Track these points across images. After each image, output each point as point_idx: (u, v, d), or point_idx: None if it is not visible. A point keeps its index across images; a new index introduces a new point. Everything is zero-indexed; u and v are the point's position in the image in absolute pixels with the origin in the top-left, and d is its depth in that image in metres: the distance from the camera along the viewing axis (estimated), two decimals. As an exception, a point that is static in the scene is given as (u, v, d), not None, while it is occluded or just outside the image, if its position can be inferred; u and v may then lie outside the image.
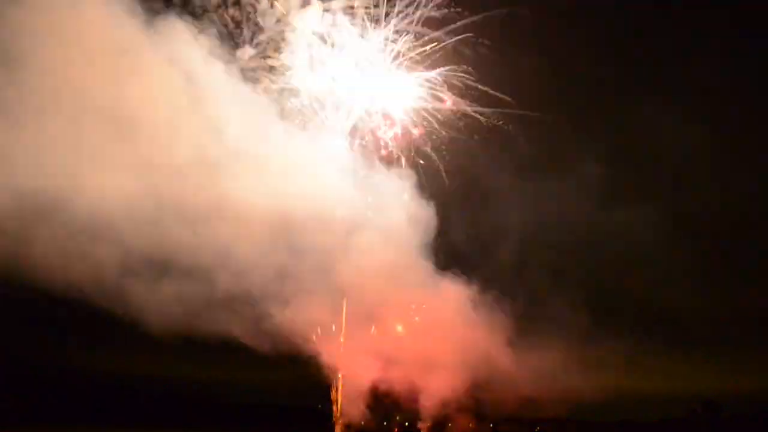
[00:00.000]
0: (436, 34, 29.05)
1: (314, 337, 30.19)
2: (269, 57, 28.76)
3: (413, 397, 30.97)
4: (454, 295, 30.98)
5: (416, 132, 30.45)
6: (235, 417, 34.78)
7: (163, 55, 25.94)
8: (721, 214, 36.77)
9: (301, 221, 28.34)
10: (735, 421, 36.72)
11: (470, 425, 31.48)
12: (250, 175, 27.59)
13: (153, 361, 35.05)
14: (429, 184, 30.99)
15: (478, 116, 29.95)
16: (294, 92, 29.34)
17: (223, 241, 27.54)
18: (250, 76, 28.61)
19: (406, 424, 31.41)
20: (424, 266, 31.07)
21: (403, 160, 30.83)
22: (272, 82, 29.01)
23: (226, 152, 27.16)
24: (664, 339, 35.48)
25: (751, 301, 37.86)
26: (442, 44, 29.10)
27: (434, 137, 30.50)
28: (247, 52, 28.45)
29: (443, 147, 30.65)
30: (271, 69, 28.88)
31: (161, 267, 27.00)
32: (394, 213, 30.27)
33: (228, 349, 29.44)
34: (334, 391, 30.44)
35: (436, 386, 30.73)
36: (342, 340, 30.44)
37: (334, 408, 30.47)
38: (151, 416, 33.72)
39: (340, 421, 30.38)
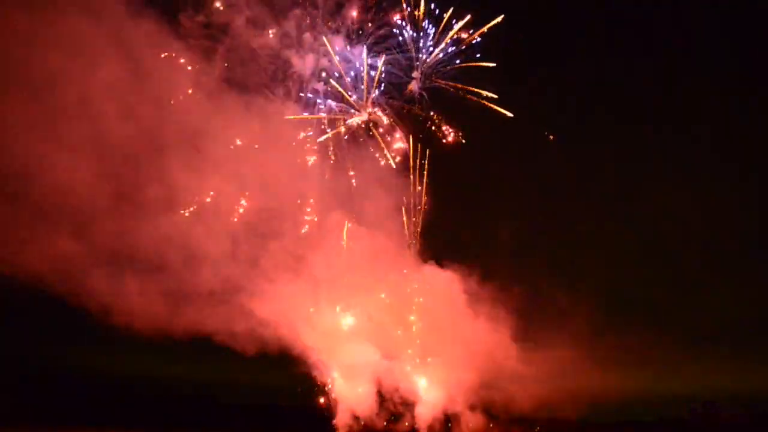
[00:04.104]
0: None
1: (300, 333, 28.55)
2: (206, 15, 26.20)
3: (415, 393, 29.69)
4: (447, 286, 29.50)
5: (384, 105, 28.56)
6: (232, 418, 33.21)
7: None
8: (726, 214, 35.97)
9: (267, 208, 26.81)
10: (735, 421, 36.20)
11: (471, 425, 29.96)
12: (203, 157, 25.82)
13: (136, 361, 33.78)
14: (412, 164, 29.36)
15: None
16: (242, 59, 26.97)
17: (184, 232, 25.97)
18: (188, 38, 26.18)
19: (407, 424, 29.73)
20: (412, 256, 29.74)
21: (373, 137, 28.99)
22: (213, 43, 26.56)
23: (174, 128, 25.26)
24: (665, 338, 34.65)
25: (752, 301, 37.43)
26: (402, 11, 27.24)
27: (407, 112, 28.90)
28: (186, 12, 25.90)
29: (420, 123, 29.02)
30: (212, 35, 26.52)
31: (124, 260, 25.54)
32: (374, 196, 28.62)
33: (218, 349, 27.73)
34: (331, 390, 29.17)
35: (437, 381, 29.55)
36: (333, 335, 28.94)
37: (333, 406, 29.21)
38: (144, 417, 32.23)
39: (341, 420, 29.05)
